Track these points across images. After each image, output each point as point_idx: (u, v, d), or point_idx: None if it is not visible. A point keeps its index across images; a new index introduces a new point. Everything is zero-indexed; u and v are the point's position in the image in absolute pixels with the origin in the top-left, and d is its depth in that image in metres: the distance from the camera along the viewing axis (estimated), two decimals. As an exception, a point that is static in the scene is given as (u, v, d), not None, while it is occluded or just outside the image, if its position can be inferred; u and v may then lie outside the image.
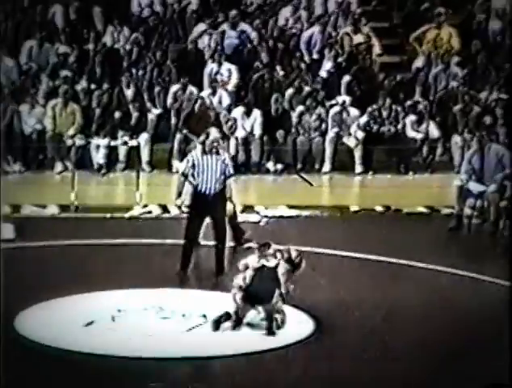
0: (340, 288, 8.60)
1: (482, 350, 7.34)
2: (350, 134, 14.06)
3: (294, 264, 7.65)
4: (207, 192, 8.80)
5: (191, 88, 14.15)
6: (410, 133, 14.05)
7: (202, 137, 9.18)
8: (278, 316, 7.47)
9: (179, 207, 9.10)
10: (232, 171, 9.01)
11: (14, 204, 11.51)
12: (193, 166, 8.82)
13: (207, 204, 8.80)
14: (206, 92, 14.21)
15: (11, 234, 10.24)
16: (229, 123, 13.67)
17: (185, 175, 8.85)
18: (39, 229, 10.52)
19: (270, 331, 7.39)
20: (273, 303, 7.45)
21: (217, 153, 8.88)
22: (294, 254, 7.67)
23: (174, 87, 14.16)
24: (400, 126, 14.12)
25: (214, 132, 9.00)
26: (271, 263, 7.60)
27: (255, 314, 7.52)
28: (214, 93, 14.15)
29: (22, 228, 10.41)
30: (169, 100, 14.09)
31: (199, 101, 13.83)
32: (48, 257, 9.44)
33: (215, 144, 8.86)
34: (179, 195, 8.94)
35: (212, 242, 8.97)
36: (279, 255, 7.63)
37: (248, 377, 6.76)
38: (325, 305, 8.23)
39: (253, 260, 7.57)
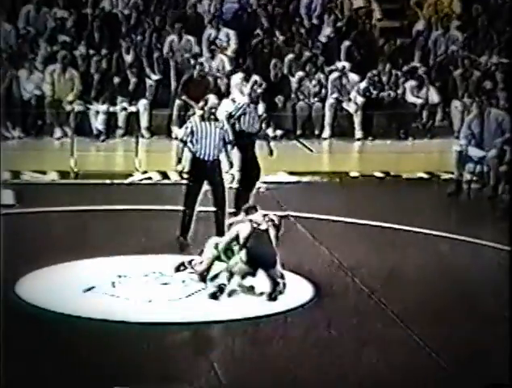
0: (339, 254, 8.63)
1: (480, 314, 7.38)
2: (349, 100, 14.01)
3: (278, 229, 7.70)
4: (206, 159, 8.81)
5: (187, 37, 14.07)
6: (410, 98, 14.00)
7: (201, 104, 9.16)
8: (280, 281, 7.52)
9: (179, 173, 9.12)
10: (231, 138, 9.01)
11: (14, 171, 11.51)
12: (192, 132, 8.82)
13: (205, 171, 8.81)
14: (205, 57, 14.14)
15: (11, 200, 10.26)
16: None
17: (184, 142, 8.86)
18: (39, 195, 10.53)
19: (272, 297, 7.43)
20: (278, 268, 7.49)
21: (216, 119, 8.88)
22: (276, 219, 7.73)
23: (170, 37, 14.08)
24: (399, 91, 14.07)
25: (212, 99, 8.99)
26: (263, 226, 7.63)
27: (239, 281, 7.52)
28: (213, 58, 14.08)
29: (22, 194, 10.42)
30: (166, 49, 14.02)
31: (197, 67, 13.76)
32: (49, 223, 9.45)
33: (213, 110, 8.85)
34: (179, 161, 8.96)
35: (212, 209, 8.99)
36: (266, 218, 7.67)
37: (247, 342, 6.81)
38: (325, 270, 8.27)
39: (244, 227, 7.58)
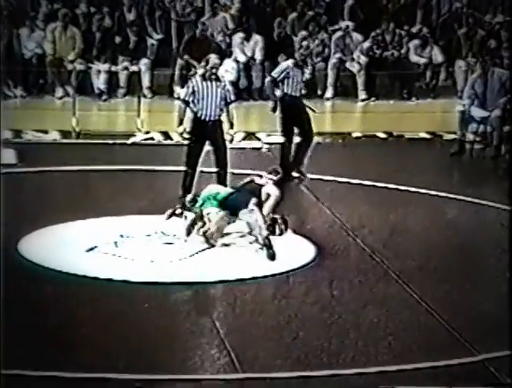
0: (341, 214, 8.65)
1: (481, 274, 7.42)
2: (352, 59, 13.93)
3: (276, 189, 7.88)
4: (207, 119, 8.78)
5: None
6: (413, 58, 13.91)
7: (202, 64, 9.12)
8: (276, 226, 7.60)
9: (181, 134, 9.10)
10: (233, 97, 8.97)
11: (16, 130, 11.50)
12: (193, 92, 8.78)
13: (207, 131, 8.79)
14: (206, 16, 14.03)
15: (13, 159, 10.26)
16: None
17: (186, 102, 8.82)
18: (41, 154, 10.52)
19: (271, 256, 7.47)
20: (249, 211, 7.53)
21: (217, 79, 8.83)
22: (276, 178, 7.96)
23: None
24: (403, 51, 13.97)
25: (213, 59, 8.93)
26: (262, 181, 7.84)
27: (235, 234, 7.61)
28: (214, 16, 13.97)
29: (24, 153, 10.42)
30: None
31: (199, 26, 13.66)
32: (51, 182, 9.46)
33: (214, 70, 8.80)
34: (181, 122, 8.93)
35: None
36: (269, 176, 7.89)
37: (249, 302, 6.85)
38: (327, 230, 8.29)
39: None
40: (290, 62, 9.91)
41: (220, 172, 8.86)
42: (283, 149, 9.96)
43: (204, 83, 8.78)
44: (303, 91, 9.84)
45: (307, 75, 9.93)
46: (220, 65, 9.32)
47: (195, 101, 8.78)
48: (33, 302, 6.56)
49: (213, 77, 8.77)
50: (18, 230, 7.79)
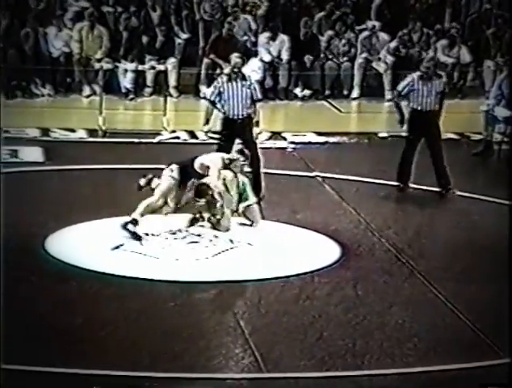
0: (366, 214, 8.63)
1: (508, 275, 7.36)
2: (379, 59, 13.89)
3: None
4: (235, 118, 8.81)
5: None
6: (441, 58, 13.83)
7: (227, 63, 9.16)
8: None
9: (206, 133, 9.14)
10: (259, 96, 8.99)
11: (44, 128, 11.59)
12: (219, 92, 8.82)
13: (235, 130, 8.83)
14: (232, 16, 14.05)
15: (40, 158, 10.35)
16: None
17: (212, 102, 8.86)
18: (68, 153, 10.60)
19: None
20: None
21: (243, 78, 8.85)
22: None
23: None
24: (430, 50, 13.91)
25: (234, 58, 8.96)
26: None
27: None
28: (236, 18, 14.00)
29: (51, 151, 10.51)
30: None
31: (226, 25, 13.69)
32: (77, 181, 9.53)
33: (236, 69, 8.83)
34: (207, 122, 8.97)
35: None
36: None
37: (274, 302, 6.85)
38: (352, 230, 8.28)
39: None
40: (415, 75, 9.22)
41: (253, 169, 8.87)
42: (403, 159, 9.27)
43: (230, 83, 8.81)
44: (433, 105, 9.04)
45: (439, 87, 9.12)
46: (244, 64, 9.31)
47: (222, 100, 8.81)
48: (59, 300, 6.61)
49: (237, 76, 8.79)
50: (45, 228, 7.85)
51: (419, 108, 9.12)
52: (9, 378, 5.52)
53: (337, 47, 14.03)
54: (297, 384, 5.73)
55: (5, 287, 6.56)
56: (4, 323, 6.05)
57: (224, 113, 8.83)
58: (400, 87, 9.32)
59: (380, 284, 7.16)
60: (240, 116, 8.79)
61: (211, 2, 13.99)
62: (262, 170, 8.96)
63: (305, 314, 6.61)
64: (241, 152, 8.25)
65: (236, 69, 8.84)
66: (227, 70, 9.13)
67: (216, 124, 9.09)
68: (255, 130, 9.00)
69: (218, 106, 8.84)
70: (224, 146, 8.87)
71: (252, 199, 8.07)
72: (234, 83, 8.80)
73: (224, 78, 8.92)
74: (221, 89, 8.83)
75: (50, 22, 13.61)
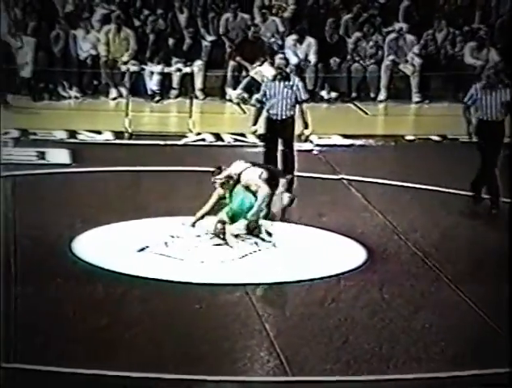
0: (393, 217, 8.59)
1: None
2: (406, 61, 13.83)
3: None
4: (275, 118, 8.84)
5: (242, 15, 14.02)
6: (469, 60, 13.74)
7: (256, 65, 9.20)
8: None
9: (253, 133, 9.17)
10: (304, 96, 8.99)
11: (70, 130, 11.67)
12: (264, 92, 8.88)
13: (277, 130, 8.85)
14: (258, 19, 14.07)
15: (67, 159, 10.42)
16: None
17: (260, 101, 8.90)
18: (94, 154, 10.66)
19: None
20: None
21: (286, 78, 8.88)
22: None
23: (226, 15, 14.05)
24: (458, 52, 13.82)
25: (278, 58, 9.05)
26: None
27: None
28: (265, 20, 14.01)
29: (77, 153, 10.57)
30: (221, 28, 14.01)
31: (252, 28, 13.70)
32: (103, 183, 9.58)
33: (279, 70, 8.89)
34: (255, 122, 9.01)
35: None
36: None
37: (299, 305, 6.84)
38: (378, 233, 8.24)
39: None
40: (478, 85, 9.00)
41: (286, 170, 8.87)
42: (483, 171, 8.93)
43: (273, 83, 8.87)
44: (498, 115, 8.71)
45: (504, 96, 8.78)
46: (287, 65, 9.33)
47: (265, 100, 8.87)
48: (85, 301, 6.64)
49: (280, 76, 8.83)
50: (72, 230, 7.90)
51: (484, 118, 8.83)
52: (34, 379, 5.55)
53: (364, 49, 13.99)
54: None
55: (34, 288, 6.62)
56: (30, 324, 6.09)
57: (267, 113, 8.89)
58: (465, 99, 9.10)
59: (407, 287, 7.12)
60: (281, 117, 8.81)
61: (235, 24, 13.98)
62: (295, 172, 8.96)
63: (331, 317, 6.58)
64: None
65: (279, 70, 8.90)
66: (271, 71, 9.18)
67: (261, 125, 9.11)
68: (305, 132, 8.98)
69: (262, 105, 8.90)
70: (269, 149, 8.89)
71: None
72: (277, 83, 8.84)
73: (270, 78, 8.99)
74: (265, 88, 8.90)
75: (78, 24, 13.70)
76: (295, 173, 9.07)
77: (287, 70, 9.32)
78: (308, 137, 9.08)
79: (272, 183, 7.78)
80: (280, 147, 8.90)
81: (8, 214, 8.14)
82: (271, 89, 8.82)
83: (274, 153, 8.85)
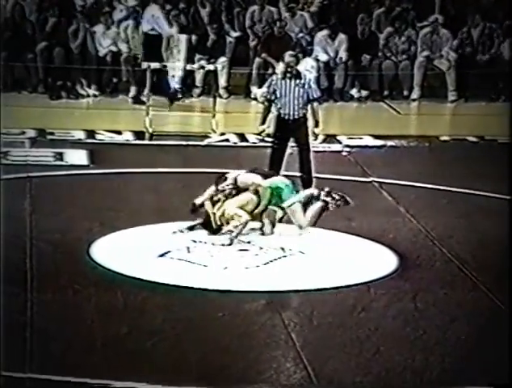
0: (426, 222, 8.56)
1: None
2: (441, 56, 13.77)
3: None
4: (287, 117, 8.83)
5: (270, 7, 14.04)
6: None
7: (280, 62, 9.20)
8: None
9: (260, 133, 9.18)
10: (315, 95, 8.98)
11: (89, 130, 11.74)
12: (274, 91, 8.86)
13: (289, 130, 8.84)
14: (286, 13, 14.08)
15: (85, 161, 10.49)
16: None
17: (269, 101, 8.90)
18: (114, 155, 10.73)
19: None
20: None
21: (297, 76, 8.86)
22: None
23: (252, 7, 14.08)
24: (497, 48, 13.75)
25: (288, 56, 9.00)
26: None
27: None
28: (294, 15, 14.02)
29: (96, 154, 10.64)
30: (248, 21, 14.03)
31: (278, 23, 13.72)
32: (123, 185, 9.63)
33: (289, 68, 8.85)
34: (264, 121, 9.01)
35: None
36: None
37: (328, 313, 6.84)
38: (410, 239, 8.22)
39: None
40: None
41: (303, 176, 8.88)
42: None
43: (283, 81, 8.85)
44: None
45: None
46: (298, 62, 9.31)
47: (276, 99, 8.85)
48: (104, 309, 6.68)
49: (291, 74, 8.81)
50: (90, 234, 7.95)
51: None
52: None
53: (395, 45, 13.97)
54: (352, 401, 5.71)
55: (50, 294, 6.67)
56: (46, 332, 6.14)
57: (278, 112, 8.87)
58: None
59: (441, 296, 7.09)
60: (293, 116, 8.81)
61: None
62: (314, 174, 8.94)
63: (361, 326, 6.58)
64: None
65: (289, 68, 8.87)
66: (281, 68, 9.17)
67: (271, 125, 9.12)
68: (315, 130, 8.99)
69: (273, 104, 8.89)
70: (276, 148, 8.89)
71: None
72: (288, 81, 8.82)
73: (279, 76, 8.96)
74: (275, 87, 8.88)
75: (98, 19, 13.79)
76: (319, 175, 9.05)
77: (298, 68, 9.23)
78: (317, 135, 9.07)
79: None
80: (295, 148, 8.88)
81: (25, 217, 8.20)
82: (282, 87, 8.79)
83: (281, 155, 8.83)
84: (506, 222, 8.82)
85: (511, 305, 6.66)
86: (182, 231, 7.94)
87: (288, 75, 8.85)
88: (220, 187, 7.90)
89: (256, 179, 8.01)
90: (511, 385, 5.63)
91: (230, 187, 7.85)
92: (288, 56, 9.05)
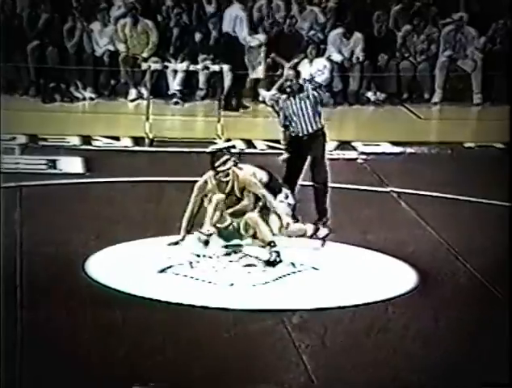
0: (448, 235, 8.59)
1: None
2: (466, 56, 13.80)
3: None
4: (301, 134, 8.83)
5: (278, 2, 14.11)
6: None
7: (292, 62, 9.20)
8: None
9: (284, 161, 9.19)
10: (324, 97, 8.96)
11: (84, 135, 11.81)
12: (285, 116, 8.85)
13: (303, 147, 8.84)
14: (295, 8, 14.15)
15: (81, 169, 10.54)
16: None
17: (285, 126, 8.91)
18: (111, 163, 10.78)
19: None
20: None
21: (299, 90, 8.83)
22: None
23: (260, 1, 14.14)
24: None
25: (287, 70, 9.01)
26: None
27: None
28: (303, 9, 14.08)
29: (92, 162, 10.70)
30: (255, 14, 14.09)
31: (288, 21, 13.78)
32: (121, 195, 9.68)
33: (289, 83, 8.86)
34: (286, 149, 8.99)
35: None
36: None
37: (342, 334, 6.87)
38: (431, 254, 8.25)
39: None
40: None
41: (317, 188, 8.87)
42: None
43: (288, 100, 8.83)
44: None
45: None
46: (298, 76, 9.21)
47: (287, 121, 8.85)
48: (100, 328, 6.72)
49: (291, 90, 8.79)
50: (86, 248, 8.00)
51: None
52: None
53: (413, 44, 14.01)
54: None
55: (42, 313, 6.71)
56: (38, 355, 6.18)
57: (291, 131, 8.88)
58: None
59: (464, 315, 7.11)
60: (307, 131, 8.82)
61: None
62: (329, 188, 8.95)
63: (378, 348, 6.61)
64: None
65: (288, 82, 8.87)
66: (278, 85, 9.17)
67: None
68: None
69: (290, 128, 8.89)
70: (292, 164, 8.88)
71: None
72: (292, 99, 8.82)
73: (283, 96, 8.96)
74: (283, 109, 8.87)
75: (95, 16, 13.86)
76: (333, 184, 9.08)
77: (300, 81, 9.19)
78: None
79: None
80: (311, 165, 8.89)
81: (15, 230, 8.26)
82: (288, 108, 8.82)
83: (297, 174, 8.83)
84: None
85: (511, 301, 6.65)
86: (177, 243, 7.96)
87: (288, 90, 8.85)
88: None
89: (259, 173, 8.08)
90: (511, 386, 5.64)
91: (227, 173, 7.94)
92: (287, 69, 9.06)
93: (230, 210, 8.03)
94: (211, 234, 7.93)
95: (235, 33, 13.57)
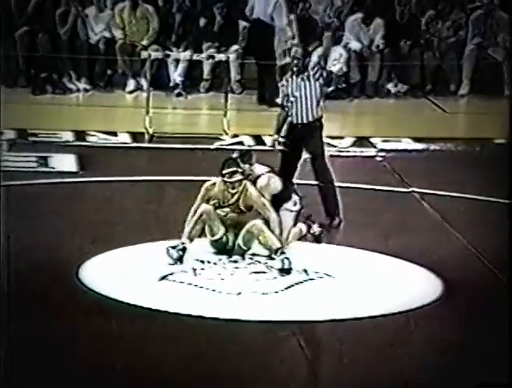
0: (476, 240, 8.61)
1: None
2: (496, 44, 13.81)
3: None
4: (299, 122, 8.85)
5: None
6: None
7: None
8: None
9: (273, 142, 9.22)
10: (329, 89, 9.01)
11: (78, 131, 11.86)
12: (286, 94, 8.87)
13: (301, 137, 8.86)
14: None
15: (74, 167, 10.59)
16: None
17: (283, 107, 8.93)
18: (108, 161, 10.83)
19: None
20: None
21: (304, 71, 8.85)
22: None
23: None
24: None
25: (294, 48, 9.04)
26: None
27: None
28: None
29: (87, 159, 10.74)
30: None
31: (300, 5, 13.80)
32: (118, 195, 9.73)
33: (296, 61, 8.88)
34: (279, 131, 9.03)
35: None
36: None
37: (359, 347, 6.89)
38: (457, 260, 8.27)
39: None
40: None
41: (321, 186, 8.91)
42: None
43: (291, 79, 8.85)
44: None
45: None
46: (305, 54, 9.27)
47: (288, 103, 8.88)
48: (96, 340, 6.76)
49: (297, 68, 8.80)
50: (80, 253, 8.04)
51: None
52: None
53: (438, 31, 14.02)
54: None
55: (33, 324, 6.75)
56: (30, 366, 6.22)
57: (288, 116, 8.89)
58: None
59: (493, 327, 7.13)
60: (304, 120, 8.83)
61: None
62: (337, 185, 8.98)
63: (399, 362, 6.63)
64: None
65: (295, 61, 8.89)
66: (284, 63, 9.22)
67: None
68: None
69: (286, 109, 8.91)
70: (287, 157, 8.90)
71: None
72: (294, 77, 8.86)
73: (289, 76, 8.99)
74: (286, 88, 8.90)
75: (90, 0, 13.90)
76: (349, 184, 9.11)
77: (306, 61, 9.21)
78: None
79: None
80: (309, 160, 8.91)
81: (1, 233, 8.31)
82: (288, 86, 8.84)
83: (292, 167, 8.86)
84: None
85: (510, 300, 6.68)
86: (181, 260, 7.95)
87: (295, 69, 8.87)
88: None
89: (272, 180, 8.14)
90: (511, 386, 5.67)
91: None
92: (294, 45, 9.08)
93: (228, 219, 8.01)
94: (184, 249, 7.89)
95: (271, 20, 13.34)
